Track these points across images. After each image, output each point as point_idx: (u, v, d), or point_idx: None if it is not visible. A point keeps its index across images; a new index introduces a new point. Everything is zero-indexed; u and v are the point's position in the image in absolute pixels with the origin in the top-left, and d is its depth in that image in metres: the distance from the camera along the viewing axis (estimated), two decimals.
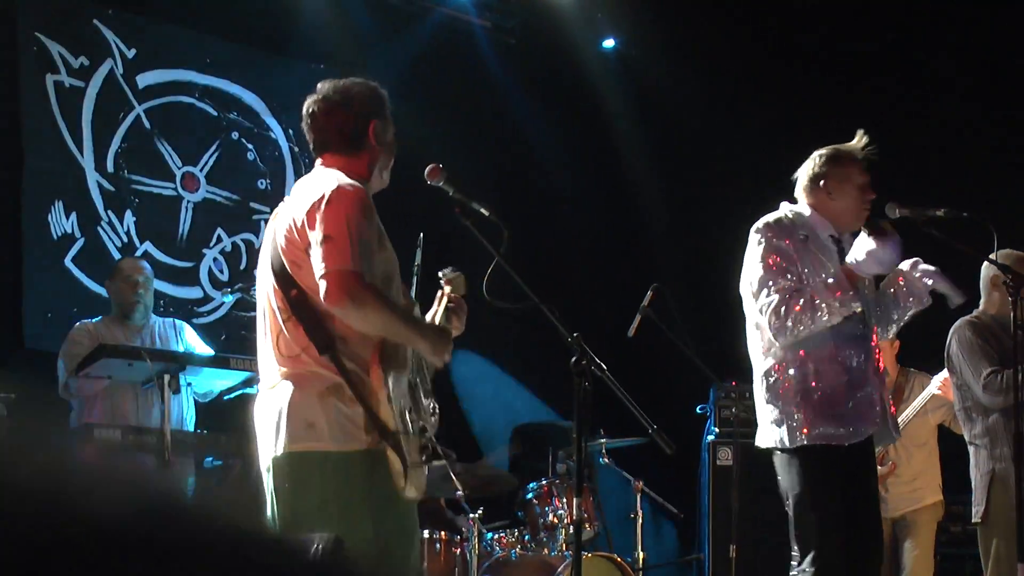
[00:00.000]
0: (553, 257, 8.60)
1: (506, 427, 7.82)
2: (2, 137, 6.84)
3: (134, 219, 7.22)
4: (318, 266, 3.22)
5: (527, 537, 6.15)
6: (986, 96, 7.90)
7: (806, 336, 4.31)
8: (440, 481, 6.20)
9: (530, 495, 6.24)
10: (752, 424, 4.89)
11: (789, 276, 4.35)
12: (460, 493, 6.30)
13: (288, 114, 7.94)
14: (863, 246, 4.32)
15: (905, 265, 4.49)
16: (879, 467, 6.34)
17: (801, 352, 4.38)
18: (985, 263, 5.15)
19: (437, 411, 3.49)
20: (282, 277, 3.31)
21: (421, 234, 3.91)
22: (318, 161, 3.53)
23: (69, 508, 0.71)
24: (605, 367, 3.48)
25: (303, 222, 3.28)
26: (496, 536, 6.13)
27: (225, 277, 7.51)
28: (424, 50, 7.88)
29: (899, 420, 6.11)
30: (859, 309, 4.32)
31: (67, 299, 6.89)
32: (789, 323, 4.28)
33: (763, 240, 4.41)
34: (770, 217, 4.50)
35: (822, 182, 4.49)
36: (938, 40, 7.99)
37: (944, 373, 5.57)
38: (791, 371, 4.40)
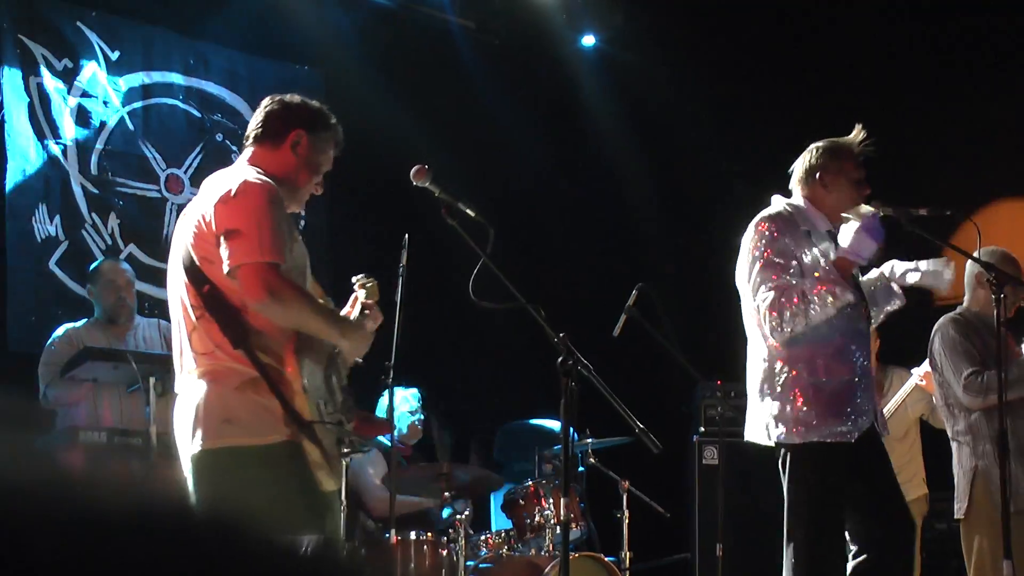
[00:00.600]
0: (539, 257, 8.60)
1: (492, 428, 7.83)
2: None
3: (118, 221, 7.20)
4: (231, 259, 3.21)
5: (514, 537, 6.15)
6: (967, 92, 7.93)
7: (801, 332, 4.28)
8: (427, 482, 6.22)
9: (516, 496, 6.24)
10: (738, 423, 4.88)
11: (786, 273, 4.31)
12: (447, 494, 6.31)
13: None
14: (848, 229, 4.31)
15: (886, 268, 4.50)
16: None
17: (808, 348, 4.34)
18: (969, 261, 5.17)
19: (353, 406, 3.47)
20: (193, 273, 3.31)
21: (406, 235, 3.91)
22: (243, 152, 3.57)
23: (64, 506, 0.72)
24: (591, 367, 3.48)
25: (211, 217, 3.28)
26: (483, 537, 6.14)
27: None
28: (407, 51, 7.87)
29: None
30: (851, 299, 4.28)
31: (52, 302, 6.87)
32: (785, 320, 4.25)
33: (764, 235, 4.37)
34: (771, 211, 4.47)
35: (818, 175, 4.48)
36: (920, 34, 8.01)
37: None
38: (800, 367, 4.35)
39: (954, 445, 5.37)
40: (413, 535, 5.91)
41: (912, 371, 5.95)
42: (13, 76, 6.87)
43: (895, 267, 4.54)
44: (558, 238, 8.96)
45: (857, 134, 4.55)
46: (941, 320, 5.39)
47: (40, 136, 6.93)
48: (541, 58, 8.74)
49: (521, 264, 7.83)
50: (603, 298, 6.96)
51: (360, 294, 3.63)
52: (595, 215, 9.08)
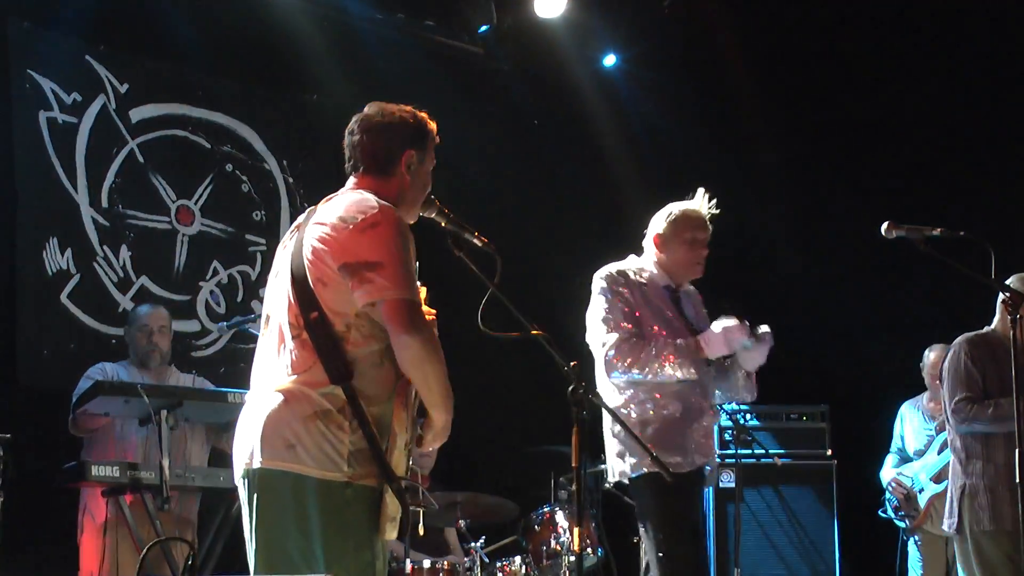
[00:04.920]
0: (549, 283, 8.58)
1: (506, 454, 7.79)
2: None
3: (130, 253, 7.20)
4: (373, 292, 3.16)
5: (530, 564, 6.11)
6: (983, 113, 7.89)
7: (638, 380, 4.69)
8: (442, 511, 6.19)
9: (532, 523, 6.20)
10: (753, 446, 5.04)
11: (628, 320, 4.75)
12: (462, 522, 6.28)
13: (282, 145, 7.94)
14: (718, 324, 4.72)
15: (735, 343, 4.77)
16: (935, 485, 6.50)
17: (642, 389, 4.74)
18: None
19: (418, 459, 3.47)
20: (303, 293, 3.24)
21: (416, 263, 3.89)
22: (350, 180, 3.48)
23: None
24: (602, 397, 3.46)
25: (343, 240, 3.21)
26: (499, 564, 6.10)
27: (222, 310, 7.48)
28: (415, 79, 7.86)
29: (934, 464, 6.33)
30: (694, 376, 4.70)
31: (64, 336, 6.86)
32: (619, 364, 4.67)
33: (604, 285, 4.84)
34: (612, 267, 4.92)
35: (657, 238, 4.96)
36: (934, 58, 7.98)
37: None
38: (633, 406, 4.74)
39: (952, 459, 5.40)
40: (428, 563, 5.88)
41: None
42: (23, 111, 6.88)
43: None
44: (570, 263, 8.93)
45: (700, 198, 5.01)
46: (959, 339, 5.40)
47: (50, 170, 6.94)
48: (550, 82, 8.72)
49: (531, 291, 7.82)
50: None
51: None
52: (604, 240, 9.04)
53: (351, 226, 3.22)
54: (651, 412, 4.70)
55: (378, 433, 3.17)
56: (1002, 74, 7.87)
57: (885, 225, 4.59)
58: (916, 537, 6.72)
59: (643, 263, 4.96)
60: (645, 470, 4.64)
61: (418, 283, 3.32)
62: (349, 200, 3.33)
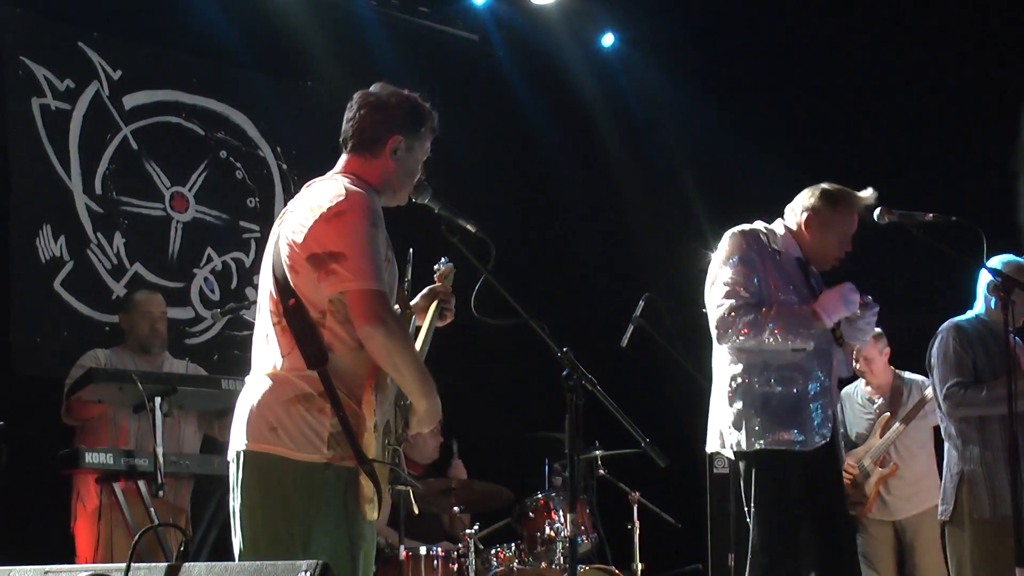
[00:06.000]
0: (544, 268, 8.59)
1: (500, 440, 7.80)
2: None
3: (123, 240, 7.19)
4: (337, 283, 3.19)
5: (525, 551, 6.13)
6: (976, 100, 7.89)
7: (751, 348, 4.46)
8: (436, 496, 6.20)
9: (527, 509, 6.22)
10: None
11: (748, 287, 4.48)
12: (456, 509, 6.29)
13: (276, 132, 7.93)
14: (832, 291, 4.50)
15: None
16: (879, 469, 6.38)
17: (762, 357, 4.50)
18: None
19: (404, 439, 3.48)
20: (281, 280, 3.28)
21: (411, 250, 3.89)
22: (341, 158, 3.51)
23: None
24: (596, 381, 3.46)
25: (308, 231, 3.24)
26: (494, 551, 6.12)
27: (216, 296, 7.48)
28: (409, 66, 7.85)
29: (877, 447, 6.27)
30: (810, 347, 4.46)
31: (57, 323, 6.86)
32: (731, 332, 4.45)
33: (735, 247, 4.55)
34: (746, 226, 4.63)
35: (807, 215, 4.64)
36: (930, 43, 7.98)
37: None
38: (754, 377, 4.50)
39: (946, 446, 5.41)
40: (423, 550, 5.90)
41: (925, 381, 5.96)
42: (16, 98, 6.87)
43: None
44: (564, 249, 8.94)
45: (867, 194, 4.65)
46: (945, 324, 5.41)
47: (43, 157, 6.93)
48: (545, 67, 8.72)
49: (526, 275, 7.82)
50: (611, 308, 6.94)
51: (438, 284, 3.71)
52: (601, 225, 9.06)
53: (318, 215, 3.25)
54: (773, 388, 4.47)
55: (351, 418, 3.21)
56: (986, 59, 7.88)
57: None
58: (859, 526, 6.66)
59: (776, 229, 4.67)
60: (763, 445, 4.43)
61: (392, 270, 3.36)
62: (322, 188, 3.36)
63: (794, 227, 4.67)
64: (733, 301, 4.45)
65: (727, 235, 4.60)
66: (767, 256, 4.55)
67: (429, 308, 3.68)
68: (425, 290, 3.74)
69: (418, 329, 3.64)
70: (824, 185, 4.69)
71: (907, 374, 6.62)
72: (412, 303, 3.71)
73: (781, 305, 4.45)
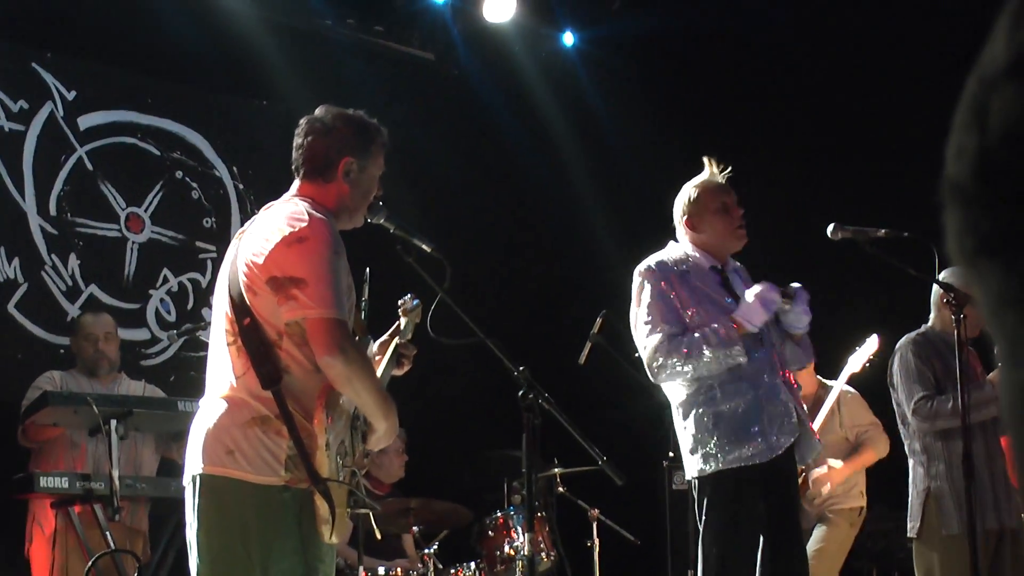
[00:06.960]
0: (503, 284, 8.60)
1: (459, 459, 7.79)
2: None
3: (79, 262, 7.14)
4: (297, 310, 3.18)
5: (484, 569, 6.12)
6: (926, 114, 7.97)
7: (690, 376, 4.43)
8: (396, 517, 6.18)
9: (486, 528, 6.21)
10: None
11: (668, 319, 4.47)
12: (416, 528, 6.28)
13: (232, 151, 7.90)
14: (749, 294, 4.46)
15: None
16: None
17: (708, 381, 4.46)
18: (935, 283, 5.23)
19: (366, 452, 3.47)
20: (237, 300, 3.28)
21: (367, 269, 3.89)
22: (293, 184, 3.50)
23: None
24: (553, 400, 3.47)
25: (271, 252, 3.23)
26: (453, 570, 6.10)
27: (172, 318, 7.43)
28: (367, 85, 7.86)
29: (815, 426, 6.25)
30: (743, 360, 4.42)
31: (11, 346, 6.79)
32: (669, 364, 4.41)
33: (644, 283, 4.56)
34: (651, 260, 4.64)
35: (686, 218, 4.67)
36: (879, 55, 8.06)
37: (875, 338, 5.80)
38: (700, 399, 4.48)
39: (910, 462, 5.43)
40: (382, 570, 5.88)
41: (845, 386, 6.05)
42: None
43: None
44: (521, 266, 8.96)
45: (710, 166, 4.72)
46: (902, 340, 5.46)
47: None
48: (500, 86, 8.75)
49: (483, 294, 7.83)
50: (567, 326, 6.95)
51: (401, 321, 3.67)
52: (558, 242, 9.08)
53: (279, 238, 3.24)
54: (721, 405, 4.42)
55: (303, 437, 3.20)
56: (937, 73, 7.95)
57: (831, 227, 4.63)
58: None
59: (684, 248, 4.68)
60: (721, 466, 4.39)
61: (354, 295, 3.35)
62: (283, 211, 3.35)
63: (688, 237, 4.69)
64: (659, 336, 4.44)
65: (635, 274, 4.61)
66: (676, 280, 4.56)
67: (389, 345, 3.67)
68: (392, 329, 3.73)
69: (377, 361, 3.64)
70: (683, 189, 4.74)
71: (831, 383, 6.64)
72: (379, 341, 3.70)
73: (703, 328, 4.44)
